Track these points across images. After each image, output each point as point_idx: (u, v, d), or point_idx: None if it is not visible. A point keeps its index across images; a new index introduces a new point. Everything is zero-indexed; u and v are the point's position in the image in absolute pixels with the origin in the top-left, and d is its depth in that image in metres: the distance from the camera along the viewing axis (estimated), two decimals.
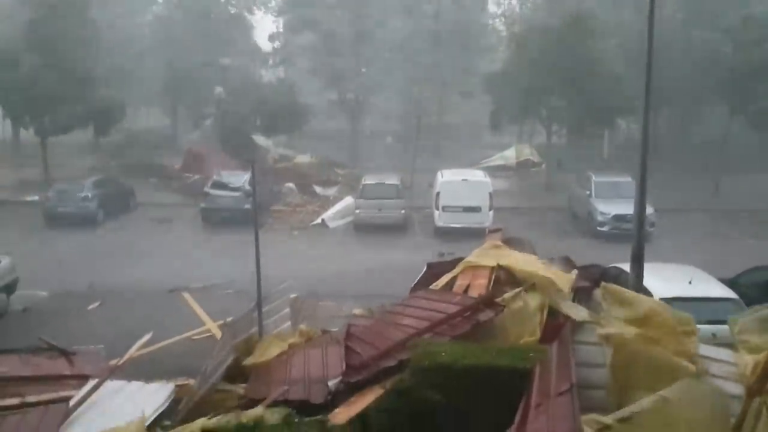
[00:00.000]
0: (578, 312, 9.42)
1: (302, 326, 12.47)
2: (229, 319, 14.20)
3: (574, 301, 12.61)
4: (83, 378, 10.91)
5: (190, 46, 40.45)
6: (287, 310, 13.47)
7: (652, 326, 7.42)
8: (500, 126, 37.62)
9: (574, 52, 31.13)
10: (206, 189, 28.84)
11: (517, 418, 7.11)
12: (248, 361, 10.99)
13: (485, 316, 10.40)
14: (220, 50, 43.16)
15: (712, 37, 33.71)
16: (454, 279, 12.59)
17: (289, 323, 13.17)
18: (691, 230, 26.15)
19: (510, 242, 13.62)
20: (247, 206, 23.69)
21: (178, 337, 15.09)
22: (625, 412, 6.51)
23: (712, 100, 36.00)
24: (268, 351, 11.19)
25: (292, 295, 13.89)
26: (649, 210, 18.88)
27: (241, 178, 28.22)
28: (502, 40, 49.29)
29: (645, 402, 6.43)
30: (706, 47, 33.73)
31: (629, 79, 28.37)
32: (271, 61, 48.46)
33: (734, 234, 25.90)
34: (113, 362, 11.79)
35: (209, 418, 9.04)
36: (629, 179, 25.20)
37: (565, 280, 11.09)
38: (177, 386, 10.67)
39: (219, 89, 40.95)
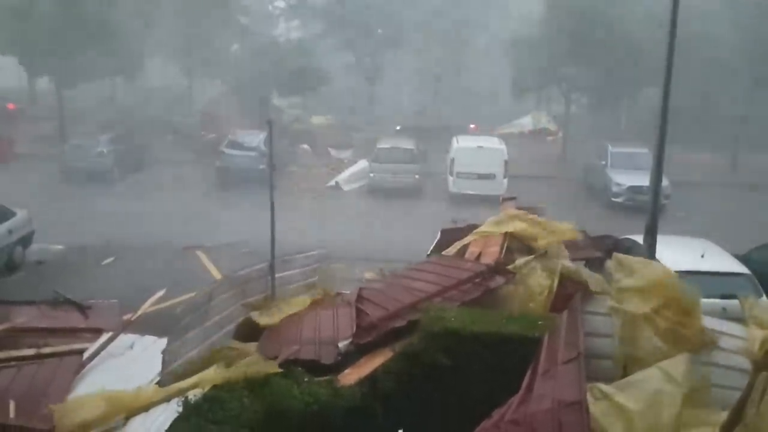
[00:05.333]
0: (594, 280, 9.42)
1: (318, 287, 12.55)
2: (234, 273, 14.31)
3: None
4: (97, 331, 11.08)
5: (208, 3, 40.14)
6: (302, 271, 13.52)
7: (660, 297, 7.45)
8: (526, 92, 37.28)
9: (598, 18, 30.70)
10: (221, 148, 28.87)
11: (524, 384, 7.20)
12: (261, 320, 11.08)
13: (496, 282, 10.45)
14: (237, 9, 42.83)
15: (737, 7, 33.08)
16: (466, 246, 12.64)
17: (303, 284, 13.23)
18: (706, 204, 25.99)
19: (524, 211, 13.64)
20: (262, 166, 23.73)
21: (191, 294, 15.20)
22: (623, 382, 6.59)
23: (734, 73, 35.47)
24: (282, 311, 11.27)
25: (310, 256, 13.91)
26: (665, 182, 18.79)
27: (256, 138, 28.17)
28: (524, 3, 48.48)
29: (642, 374, 6.51)
30: (731, 19, 33.12)
31: (653, 49, 27.99)
32: (285, 22, 48.16)
33: (749, 209, 25.70)
34: (127, 316, 11.94)
35: (218, 372, 9.17)
36: (646, 150, 25.02)
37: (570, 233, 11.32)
38: None
39: (235, 47, 40.75)
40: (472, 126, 39.79)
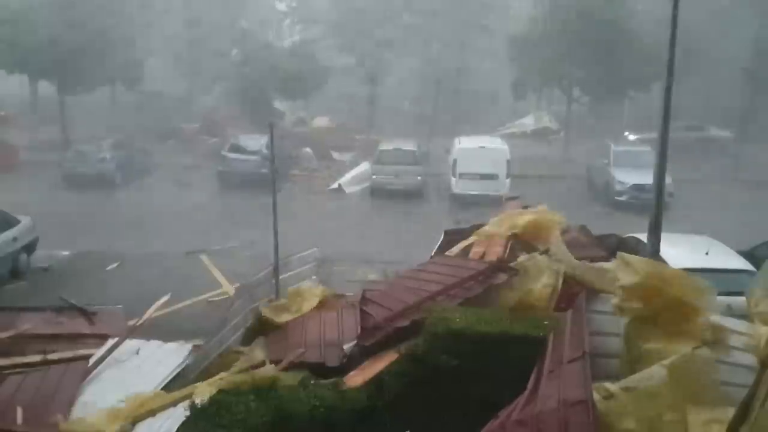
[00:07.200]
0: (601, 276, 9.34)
1: (322, 289, 12.56)
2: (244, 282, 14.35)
3: None
4: (103, 337, 11.12)
5: (208, 7, 40.19)
6: (306, 273, 13.55)
7: (665, 295, 7.42)
8: (525, 93, 37.34)
9: (599, 16, 30.72)
10: (223, 152, 28.90)
11: (530, 384, 7.19)
12: (278, 318, 11.10)
13: (499, 279, 10.43)
14: (238, 12, 42.89)
15: (738, 5, 33.14)
16: (470, 246, 12.63)
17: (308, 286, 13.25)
18: (710, 201, 25.93)
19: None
20: (265, 170, 23.74)
21: (195, 299, 15.26)
22: (629, 381, 6.57)
23: (736, 70, 35.47)
24: (286, 314, 11.28)
25: (312, 260, 13.95)
26: (667, 180, 18.74)
27: (258, 142, 28.22)
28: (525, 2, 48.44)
29: (648, 372, 6.49)
30: (731, 17, 33.16)
31: (654, 46, 27.99)
32: (288, 21, 48.20)
33: (753, 205, 25.65)
34: (132, 322, 11.96)
35: (224, 376, 9.19)
36: (648, 148, 24.98)
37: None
38: (194, 347, 10.84)
39: (236, 51, 40.76)
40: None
